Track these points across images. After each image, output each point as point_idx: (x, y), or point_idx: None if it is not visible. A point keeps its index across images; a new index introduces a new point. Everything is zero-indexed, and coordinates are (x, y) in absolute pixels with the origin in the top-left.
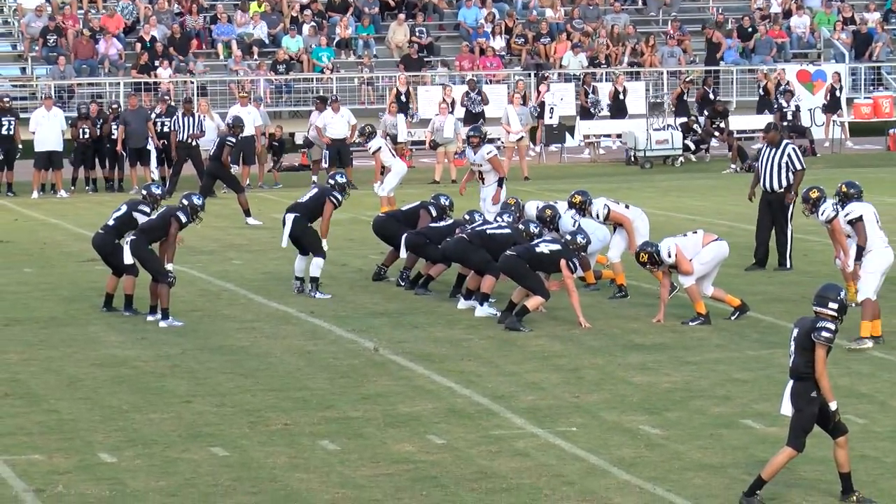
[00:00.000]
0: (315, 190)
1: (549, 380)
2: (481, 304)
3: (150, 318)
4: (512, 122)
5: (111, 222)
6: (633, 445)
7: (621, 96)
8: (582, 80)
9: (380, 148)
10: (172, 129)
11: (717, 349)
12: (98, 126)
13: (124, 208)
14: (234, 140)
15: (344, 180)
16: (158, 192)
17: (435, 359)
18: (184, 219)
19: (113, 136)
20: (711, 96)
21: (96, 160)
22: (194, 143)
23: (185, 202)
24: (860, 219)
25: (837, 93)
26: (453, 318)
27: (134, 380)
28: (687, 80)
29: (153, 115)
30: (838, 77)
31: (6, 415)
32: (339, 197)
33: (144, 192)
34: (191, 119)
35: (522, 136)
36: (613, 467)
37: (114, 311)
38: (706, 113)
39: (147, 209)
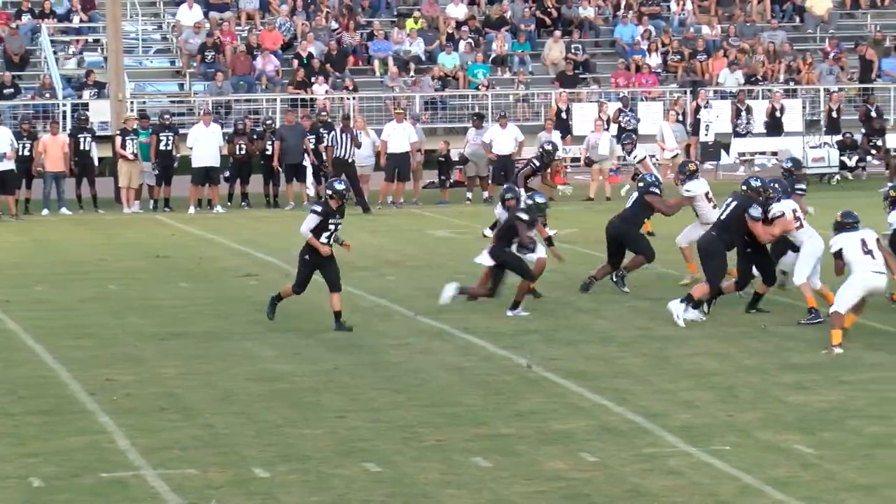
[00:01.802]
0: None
1: (703, 398)
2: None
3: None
4: (667, 139)
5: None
6: (788, 465)
7: (777, 113)
8: (736, 97)
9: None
10: (329, 144)
11: (872, 368)
12: (253, 142)
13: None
14: None
15: (537, 201)
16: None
17: (588, 376)
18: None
19: (267, 152)
20: (873, 114)
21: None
22: (351, 160)
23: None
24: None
25: None
26: (607, 335)
27: (288, 395)
28: (841, 96)
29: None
30: None
31: (162, 429)
32: (525, 217)
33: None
34: (348, 136)
35: (678, 153)
36: (767, 486)
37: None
38: (863, 131)
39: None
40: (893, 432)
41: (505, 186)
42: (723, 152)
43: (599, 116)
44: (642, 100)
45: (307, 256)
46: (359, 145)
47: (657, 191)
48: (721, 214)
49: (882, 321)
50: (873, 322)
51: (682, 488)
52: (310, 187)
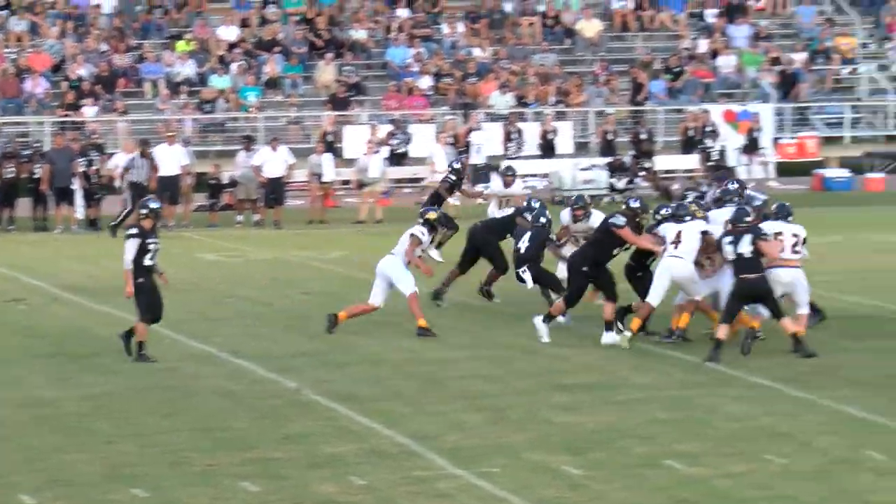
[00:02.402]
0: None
1: (473, 420)
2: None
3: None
4: (438, 162)
5: None
6: (556, 486)
7: (550, 136)
8: (507, 120)
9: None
10: (126, 167)
11: (640, 389)
12: (22, 165)
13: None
14: None
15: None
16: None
17: (358, 399)
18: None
19: (35, 175)
20: (642, 136)
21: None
22: (147, 185)
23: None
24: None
25: (755, 133)
26: (377, 357)
27: (57, 420)
28: (611, 119)
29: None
30: (757, 118)
31: None
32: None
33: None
34: (147, 161)
35: None
36: None
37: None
38: (633, 152)
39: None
40: (661, 452)
41: (575, 197)
42: (493, 175)
43: (371, 139)
44: (414, 122)
45: (141, 280)
46: (156, 170)
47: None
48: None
49: (651, 342)
50: (641, 342)
51: None
52: (79, 210)
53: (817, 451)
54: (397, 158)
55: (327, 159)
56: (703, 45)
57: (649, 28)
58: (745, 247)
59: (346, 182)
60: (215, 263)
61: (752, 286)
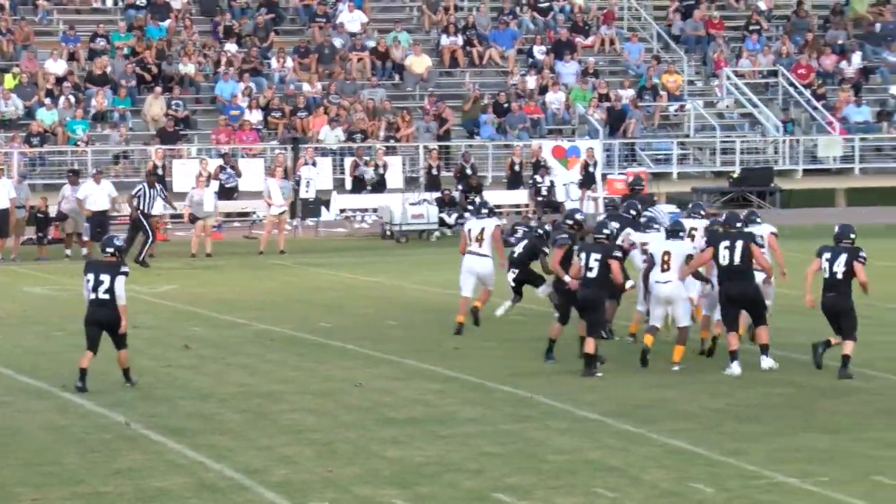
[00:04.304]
0: None
1: (302, 454)
2: None
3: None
4: (274, 196)
5: None
6: None
7: (381, 170)
8: (355, 154)
9: None
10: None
11: (469, 423)
12: None
13: None
14: None
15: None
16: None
17: (187, 433)
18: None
19: None
20: (469, 171)
21: None
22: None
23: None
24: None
25: (591, 168)
26: (206, 392)
27: None
28: (434, 154)
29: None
30: (592, 153)
31: None
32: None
33: None
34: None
35: (284, 210)
36: None
37: None
38: (461, 187)
39: None
40: (491, 486)
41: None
42: (323, 209)
43: (201, 172)
44: (243, 156)
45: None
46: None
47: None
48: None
49: (478, 375)
50: (468, 376)
51: None
52: None
53: (646, 484)
54: (227, 193)
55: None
56: (532, 82)
57: (478, 64)
58: (738, 254)
59: (175, 216)
60: (43, 297)
61: (741, 292)
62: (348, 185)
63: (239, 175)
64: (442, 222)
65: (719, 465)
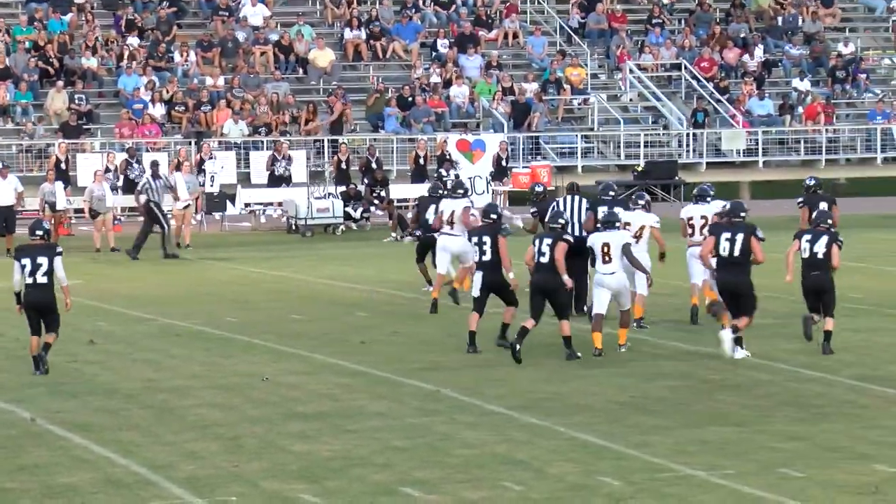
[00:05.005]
0: None
1: (209, 449)
2: None
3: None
4: (180, 190)
5: None
6: None
7: (285, 164)
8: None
9: None
10: None
11: (377, 417)
12: None
13: None
14: None
15: None
16: None
17: (93, 428)
18: None
19: None
20: (374, 165)
21: None
22: None
23: None
24: None
25: (503, 161)
26: (111, 387)
27: None
28: (343, 148)
29: None
30: (505, 146)
31: None
32: None
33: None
34: None
35: (189, 204)
36: None
37: None
38: (366, 181)
39: None
40: (398, 480)
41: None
42: (228, 203)
43: (107, 167)
44: (147, 150)
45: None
46: None
47: None
48: None
49: (385, 369)
50: (375, 370)
51: None
52: None
53: (552, 477)
54: (133, 187)
55: (59, 187)
56: (436, 76)
57: (382, 58)
58: (738, 246)
59: (78, 210)
60: None
61: (732, 284)
62: (263, 180)
63: (143, 171)
64: (347, 216)
65: (626, 458)
